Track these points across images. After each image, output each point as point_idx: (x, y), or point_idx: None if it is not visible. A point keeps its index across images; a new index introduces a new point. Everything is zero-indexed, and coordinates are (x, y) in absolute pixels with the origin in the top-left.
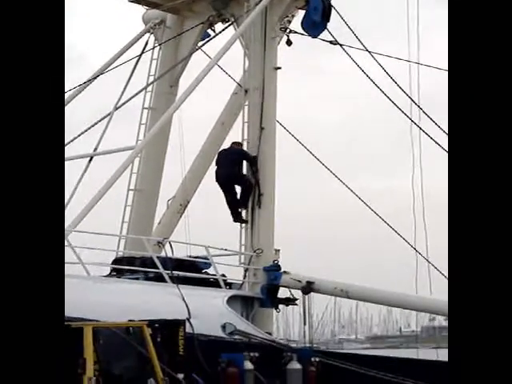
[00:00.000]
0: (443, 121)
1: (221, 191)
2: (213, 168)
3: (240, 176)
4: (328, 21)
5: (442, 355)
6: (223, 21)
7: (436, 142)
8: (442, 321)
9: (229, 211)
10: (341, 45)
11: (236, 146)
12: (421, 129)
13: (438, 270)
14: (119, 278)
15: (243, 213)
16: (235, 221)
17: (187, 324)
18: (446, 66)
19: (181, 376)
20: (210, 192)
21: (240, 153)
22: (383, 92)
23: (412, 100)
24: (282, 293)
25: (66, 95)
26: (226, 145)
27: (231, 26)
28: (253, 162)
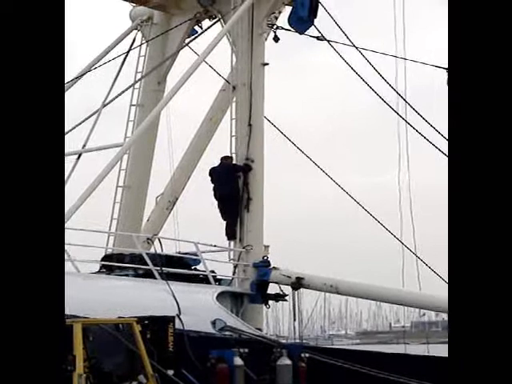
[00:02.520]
0: (429, 115)
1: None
2: (201, 165)
3: (236, 193)
4: (315, 17)
5: (432, 350)
6: (210, 17)
7: (423, 136)
8: (431, 316)
9: (224, 227)
10: (328, 41)
11: (225, 160)
12: (407, 122)
13: (426, 265)
14: (109, 274)
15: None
16: (229, 238)
17: (177, 320)
18: (431, 61)
19: (170, 372)
20: (199, 188)
21: (230, 169)
22: (370, 87)
23: (398, 94)
24: (272, 289)
25: None
26: (214, 142)
27: (218, 23)
28: (245, 170)
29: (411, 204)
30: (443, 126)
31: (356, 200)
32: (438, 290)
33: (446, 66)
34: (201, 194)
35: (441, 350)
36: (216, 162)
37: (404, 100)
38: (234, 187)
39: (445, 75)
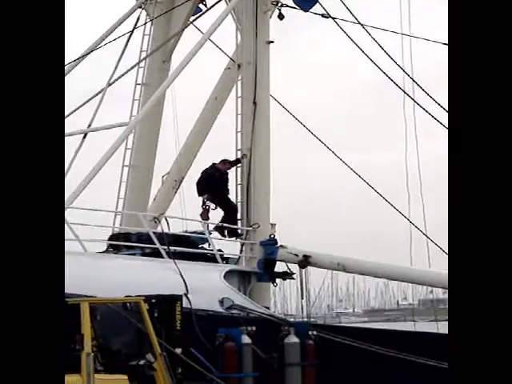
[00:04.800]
0: (436, 93)
1: None
2: (206, 144)
3: (220, 201)
4: None
5: (440, 328)
6: None
7: (428, 113)
8: (439, 293)
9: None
10: (333, 18)
11: (220, 165)
12: (414, 100)
13: (434, 243)
14: (116, 254)
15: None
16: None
17: (184, 299)
18: (437, 38)
19: (178, 351)
20: (205, 167)
21: (209, 176)
22: (375, 64)
23: (403, 70)
24: (279, 267)
25: None
26: (218, 122)
27: (223, 1)
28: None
29: (421, 182)
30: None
31: (363, 178)
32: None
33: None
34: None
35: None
36: (220, 142)
37: (409, 77)
38: (214, 196)
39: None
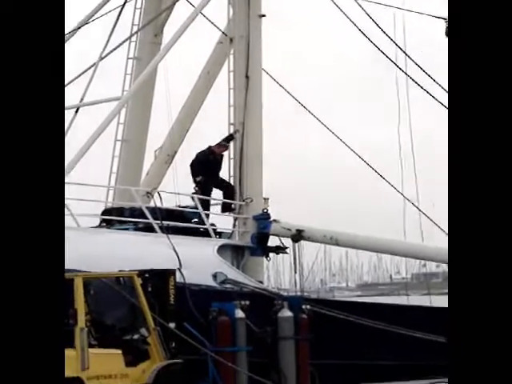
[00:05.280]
0: (431, 68)
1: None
2: (199, 118)
3: (215, 182)
4: None
5: (432, 301)
6: None
7: (421, 87)
8: (432, 267)
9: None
10: None
11: (216, 148)
12: (405, 73)
13: (427, 217)
14: (109, 228)
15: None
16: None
17: (178, 274)
18: (431, 12)
19: (172, 325)
20: (198, 141)
21: (200, 160)
22: (367, 37)
23: (397, 45)
24: (272, 241)
25: None
26: (212, 94)
27: None
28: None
29: (414, 156)
30: (444, 79)
31: (356, 152)
32: (440, 243)
33: (446, 17)
34: (199, 147)
35: (442, 301)
36: (213, 116)
37: (402, 50)
38: (209, 176)
39: (444, 27)
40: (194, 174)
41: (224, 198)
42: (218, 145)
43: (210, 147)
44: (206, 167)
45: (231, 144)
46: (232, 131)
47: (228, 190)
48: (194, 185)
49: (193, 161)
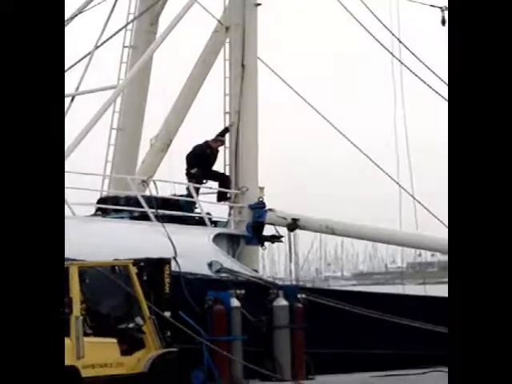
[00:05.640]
0: (427, 58)
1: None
2: (194, 107)
3: (209, 175)
4: None
5: (428, 290)
6: None
7: (417, 76)
8: (427, 257)
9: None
10: None
11: (213, 143)
12: (401, 62)
13: (423, 206)
14: (104, 217)
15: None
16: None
17: (173, 262)
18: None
19: (167, 314)
20: (193, 130)
21: (197, 154)
22: (363, 26)
23: (391, 33)
24: (268, 230)
25: None
26: (208, 83)
27: None
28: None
29: (407, 145)
30: (440, 69)
31: (351, 141)
32: (436, 232)
33: (441, 5)
34: (195, 135)
35: (437, 290)
36: (208, 105)
37: (397, 39)
38: (204, 169)
39: (439, 15)
40: (190, 166)
41: (219, 187)
42: (215, 140)
43: (206, 141)
44: (201, 160)
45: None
46: (228, 120)
47: (223, 180)
48: (185, 177)
49: (189, 153)
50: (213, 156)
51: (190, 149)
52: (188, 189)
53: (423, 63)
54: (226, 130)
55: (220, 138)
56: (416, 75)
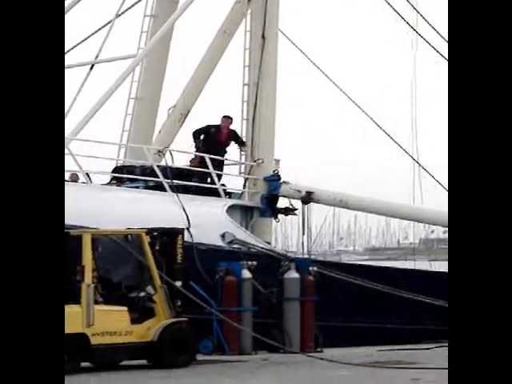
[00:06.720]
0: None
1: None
2: (213, 77)
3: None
4: None
5: (439, 267)
6: None
7: (435, 49)
8: (439, 233)
9: None
10: None
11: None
12: (417, 32)
13: (438, 182)
14: (119, 186)
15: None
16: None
17: (186, 233)
18: None
19: (178, 284)
20: (211, 101)
21: (199, 130)
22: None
23: (410, 3)
24: (282, 203)
25: (66, 3)
26: (227, 54)
27: None
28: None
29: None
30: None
31: (368, 114)
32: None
33: None
34: (213, 106)
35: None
36: (227, 76)
37: (415, 9)
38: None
39: None
40: (195, 139)
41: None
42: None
43: (219, 126)
44: (204, 136)
45: (245, 104)
46: (246, 92)
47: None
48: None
49: (199, 130)
50: (218, 134)
51: (207, 120)
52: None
53: (442, 36)
54: (242, 143)
55: (227, 116)
56: (432, 46)
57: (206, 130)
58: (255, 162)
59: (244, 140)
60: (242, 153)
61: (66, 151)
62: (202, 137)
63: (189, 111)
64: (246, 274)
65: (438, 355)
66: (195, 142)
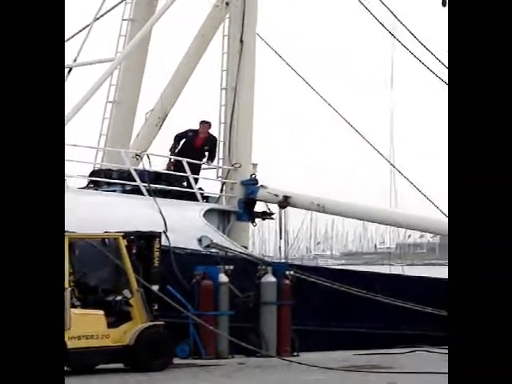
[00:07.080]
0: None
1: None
2: (191, 80)
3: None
4: None
5: (416, 271)
6: None
7: (412, 53)
8: (416, 238)
9: None
10: None
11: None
12: (395, 37)
13: (414, 186)
14: (96, 190)
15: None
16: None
17: (163, 237)
18: None
19: (155, 288)
20: (189, 105)
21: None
22: (361, 2)
23: (387, 8)
24: (259, 207)
25: None
26: (205, 58)
27: None
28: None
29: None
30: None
31: (346, 119)
32: (425, 212)
33: None
34: (191, 110)
35: (425, 271)
36: (205, 79)
37: (393, 14)
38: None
39: None
40: (175, 141)
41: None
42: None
43: (196, 131)
44: (180, 141)
45: (222, 108)
46: (224, 96)
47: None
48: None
49: (180, 134)
50: (194, 138)
51: (185, 124)
52: (181, 164)
53: (422, 43)
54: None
55: (205, 121)
56: (410, 52)
57: (185, 135)
58: (232, 166)
59: (216, 154)
60: (209, 165)
61: None
62: (182, 141)
63: (166, 115)
64: (223, 278)
65: (413, 359)
66: (175, 145)
